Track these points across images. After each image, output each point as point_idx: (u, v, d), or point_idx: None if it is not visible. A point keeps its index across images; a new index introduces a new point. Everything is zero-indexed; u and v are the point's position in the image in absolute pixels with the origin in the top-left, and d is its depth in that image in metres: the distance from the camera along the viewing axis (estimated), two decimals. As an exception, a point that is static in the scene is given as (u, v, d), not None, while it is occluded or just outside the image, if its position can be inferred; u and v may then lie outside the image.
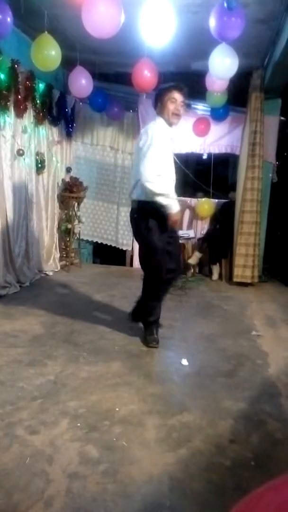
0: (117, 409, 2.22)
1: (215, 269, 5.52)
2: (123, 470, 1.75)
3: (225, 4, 2.91)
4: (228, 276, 5.43)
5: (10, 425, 2.03)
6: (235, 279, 5.16)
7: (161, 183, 2.79)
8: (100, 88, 5.15)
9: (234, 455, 1.90)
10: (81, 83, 4.38)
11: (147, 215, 2.93)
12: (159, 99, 2.96)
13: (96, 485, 1.66)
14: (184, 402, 2.35)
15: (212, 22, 3.09)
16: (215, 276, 5.49)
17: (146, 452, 1.89)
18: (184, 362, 2.88)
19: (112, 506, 1.55)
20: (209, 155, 5.86)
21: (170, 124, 2.96)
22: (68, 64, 4.47)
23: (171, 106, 2.92)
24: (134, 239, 3.37)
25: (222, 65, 3.60)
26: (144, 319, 3.26)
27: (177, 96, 2.92)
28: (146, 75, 4.00)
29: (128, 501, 1.58)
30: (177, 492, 1.64)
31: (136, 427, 2.08)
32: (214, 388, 2.53)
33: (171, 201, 2.86)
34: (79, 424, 2.06)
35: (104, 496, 1.60)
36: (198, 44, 4.08)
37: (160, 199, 2.81)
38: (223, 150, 5.71)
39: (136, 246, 5.98)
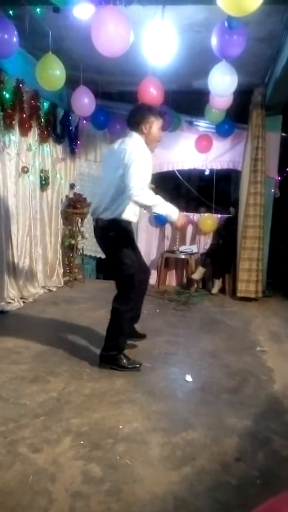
0: (120, 426, 2.20)
1: (217, 283, 5.51)
2: (126, 489, 1.72)
3: (226, 24, 2.98)
4: (231, 291, 5.41)
5: (12, 442, 2.00)
6: (238, 294, 5.15)
7: (150, 194, 2.63)
8: (103, 107, 5.24)
9: (239, 473, 1.86)
10: (84, 102, 4.47)
11: (124, 232, 2.90)
12: (147, 120, 2.82)
13: (100, 504, 1.63)
14: (188, 419, 2.32)
15: (214, 41, 3.16)
16: (215, 289, 5.47)
17: (150, 470, 1.86)
18: (188, 378, 2.85)
19: (116, 527, 1.52)
20: (212, 170, 5.91)
21: (151, 149, 2.87)
22: (72, 83, 4.57)
23: (159, 134, 2.90)
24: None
25: (222, 83, 3.66)
26: (113, 350, 2.98)
27: (161, 123, 2.91)
28: (152, 93, 4.06)
29: (132, 521, 1.55)
30: (182, 512, 1.61)
31: (140, 445, 2.05)
32: (218, 405, 2.50)
33: (167, 209, 2.66)
34: (82, 442, 2.04)
35: (108, 516, 1.57)
36: (200, 63, 4.16)
37: (157, 210, 2.65)
38: (225, 166, 5.76)
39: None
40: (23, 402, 2.40)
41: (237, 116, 5.28)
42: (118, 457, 1.93)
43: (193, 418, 2.33)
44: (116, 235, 2.86)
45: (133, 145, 2.74)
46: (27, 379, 2.71)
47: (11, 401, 2.41)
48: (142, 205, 2.65)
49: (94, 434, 2.11)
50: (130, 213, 2.87)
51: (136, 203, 2.66)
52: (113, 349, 2.95)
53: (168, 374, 2.95)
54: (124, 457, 1.94)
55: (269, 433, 2.21)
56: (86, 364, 3.00)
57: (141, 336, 3.48)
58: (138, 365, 2.99)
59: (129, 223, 2.93)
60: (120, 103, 5.65)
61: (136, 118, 2.86)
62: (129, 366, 2.95)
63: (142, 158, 2.67)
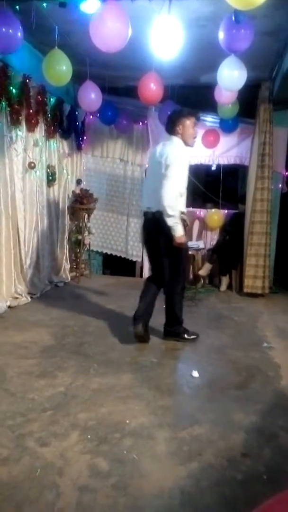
0: (127, 421, 2.21)
1: (224, 280, 5.50)
2: (133, 484, 1.73)
3: (233, 18, 2.95)
4: (238, 287, 5.40)
5: (20, 437, 2.02)
6: (245, 290, 5.13)
7: (177, 207, 3.08)
8: (110, 102, 5.23)
9: (246, 469, 1.87)
10: (91, 97, 4.45)
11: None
12: (179, 122, 3.21)
13: (107, 498, 1.64)
14: (194, 415, 2.32)
15: (221, 35, 3.13)
16: (223, 287, 5.46)
17: (157, 465, 1.87)
18: (195, 374, 2.86)
19: (123, 520, 1.53)
20: (218, 166, 5.88)
21: (189, 145, 3.30)
22: (78, 78, 4.55)
23: (192, 131, 3.26)
24: (147, 249, 3.54)
25: (231, 77, 3.63)
26: (176, 325, 3.46)
27: (194, 121, 3.28)
28: (152, 88, 4.05)
29: (138, 515, 1.56)
30: (188, 507, 1.62)
31: (147, 440, 2.06)
32: (225, 401, 2.51)
33: (178, 225, 3.09)
34: (89, 436, 2.05)
35: (115, 510, 1.58)
36: (207, 57, 4.12)
37: (170, 221, 3.06)
38: (232, 161, 5.72)
39: (147, 258, 6.04)
40: (31, 397, 2.42)
41: (245, 111, 5.24)
42: (125, 452, 1.95)
43: (200, 413, 2.34)
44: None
45: (172, 149, 3.16)
46: (35, 373, 2.73)
47: (19, 396, 2.43)
48: (166, 214, 3.05)
49: (101, 429, 2.13)
50: (180, 205, 3.20)
51: (164, 209, 3.05)
52: (175, 324, 3.43)
53: (175, 369, 2.96)
54: (131, 451, 1.95)
55: (276, 429, 2.21)
56: (93, 359, 3.02)
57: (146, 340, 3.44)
58: (196, 336, 3.51)
59: (181, 213, 3.19)
60: (127, 98, 5.63)
61: (171, 123, 3.26)
62: (190, 337, 3.46)
63: (179, 162, 3.10)
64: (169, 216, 3.05)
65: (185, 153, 3.26)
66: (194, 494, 1.69)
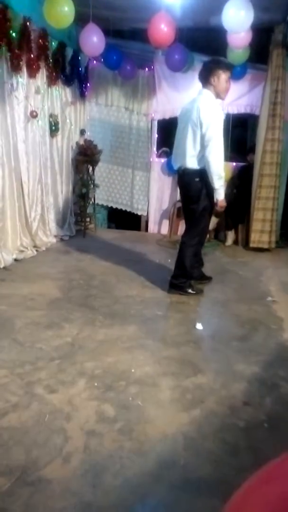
0: (132, 370, 2.27)
1: (230, 235, 5.45)
2: (138, 429, 1.81)
3: None
4: (244, 242, 5.36)
5: (29, 384, 2.10)
6: (251, 245, 5.10)
7: (222, 174, 3.13)
8: (114, 45, 4.95)
9: (247, 417, 1.93)
10: (93, 41, 4.20)
11: (206, 182, 3.20)
12: (215, 73, 3.13)
13: (113, 443, 1.72)
14: (198, 365, 2.38)
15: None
16: (229, 242, 5.43)
17: (161, 411, 1.94)
18: (199, 326, 2.91)
19: (128, 463, 1.61)
20: (227, 116, 5.64)
21: (221, 98, 3.27)
22: (81, 20, 4.27)
23: (226, 84, 3.20)
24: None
25: (237, 18, 3.43)
26: (182, 278, 3.49)
27: (229, 75, 3.23)
28: (163, 30, 3.81)
29: (143, 459, 1.64)
30: (190, 451, 1.69)
31: (151, 388, 2.12)
32: (228, 352, 2.56)
33: (223, 188, 3.22)
34: (96, 384, 2.12)
35: (120, 453, 1.66)
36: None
37: (217, 184, 3.13)
38: (242, 110, 5.47)
39: (152, 212, 5.99)
40: (39, 346, 2.48)
41: (257, 56, 4.95)
42: (130, 399, 2.02)
43: (203, 364, 2.40)
44: (200, 181, 3.22)
45: (204, 104, 3.09)
46: (42, 324, 2.79)
47: (27, 345, 2.49)
48: (218, 174, 3.09)
49: (107, 377, 2.19)
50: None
51: (213, 172, 3.08)
52: (181, 277, 3.46)
53: (179, 322, 3.00)
54: (136, 398, 2.02)
55: (277, 379, 2.26)
56: (99, 311, 3.06)
57: (209, 278, 3.82)
58: (201, 291, 3.55)
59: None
60: (132, 41, 5.32)
61: (205, 72, 3.18)
62: (194, 292, 3.49)
63: (216, 119, 3.07)
64: (218, 179, 3.11)
65: (218, 106, 3.21)
66: (196, 439, 1.76)
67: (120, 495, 1.46)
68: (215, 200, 3.27)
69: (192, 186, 3.25)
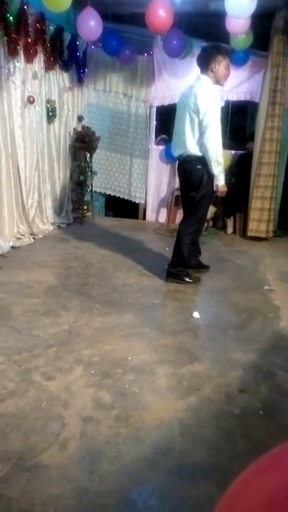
0: (129, 358, 2.28)
1: (230, 223, 5.45)
2: (135, 415, 1.82)
3: None
4: (242, 231, 5.36)
5: (26, 371, 2.10)
6: (249, 234, 5.10)
7: (221, 159, 3.13)
8: (113, 30, 4.86)
9: (243, 404, 1.95)
10: (90, 25, 4.11)
11: (206, 169, 3.20)
12: (215, 59, 3.11)
13: (109, 429, 1.73)
14: (194, 353, 2.39)
15: None
16: (230, 229, 5.43)
17: (157, 399, 1.95)
18: (196, 315, 2.91)
19: (124, 449, 1.62)
20: (226, 103, 5.58)
21: (220, 84, 3.27)
22: (79, 4, 4.19)
23: (226, 71, 3.18)
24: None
25: (240, 3, 3.35)
26: (180, 266, 3.48)
27: (228, 62, 3.21)
28: (160, 15, 3.74)
29: (139, 445, 1.65)
30: (186, 437, 1.71)
31: (148, 375, 2.14)
32: (224, 340, 2.57)
33: (223, 174, 3.22)
34: (93, 371, 2.13)
35: (117, 440, 1.67)
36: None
37: (216, 170, 3.15)
38: (242, 98, 5.41)
39: (150, 200, 5.96)
40: (36, 334, 2.49)
41: (257, 42, 4.87)
42: (127, 386, 2.03)
43: (200, 352, 2.41)
44: (203, 168, 3.21)
45: (201, 90, 3.06)
46: (39, 312, 2.79)
47: (24, 332, 2.49)
48: (210, 160, 3.11)
49: (104, 364, 2.20)
50: None
51: (212, 159, 3.10)
52: (179, 265, 3.45)
53: (176, 310, 3.01)
54: (132, 386, 2.03)
55: (273, 367, 2.28)
56: (96, 299, 3.07)
57: (207, 267, 3.86)
58: (198, 280, 3.54)
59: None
60: (131, 26, 5.23)
61: (205, 58, 3.14)
62: (191, 281, 3.48)
63: (213, 105, 3.05)
64: (217, 165, 3.12)
65: (215, 92, 3.19)
66: (192, 426, 1.78)
67: (117, 481, 1.48)
68: (214, 186, 3.26)
69: (193, 173, 3.23)
